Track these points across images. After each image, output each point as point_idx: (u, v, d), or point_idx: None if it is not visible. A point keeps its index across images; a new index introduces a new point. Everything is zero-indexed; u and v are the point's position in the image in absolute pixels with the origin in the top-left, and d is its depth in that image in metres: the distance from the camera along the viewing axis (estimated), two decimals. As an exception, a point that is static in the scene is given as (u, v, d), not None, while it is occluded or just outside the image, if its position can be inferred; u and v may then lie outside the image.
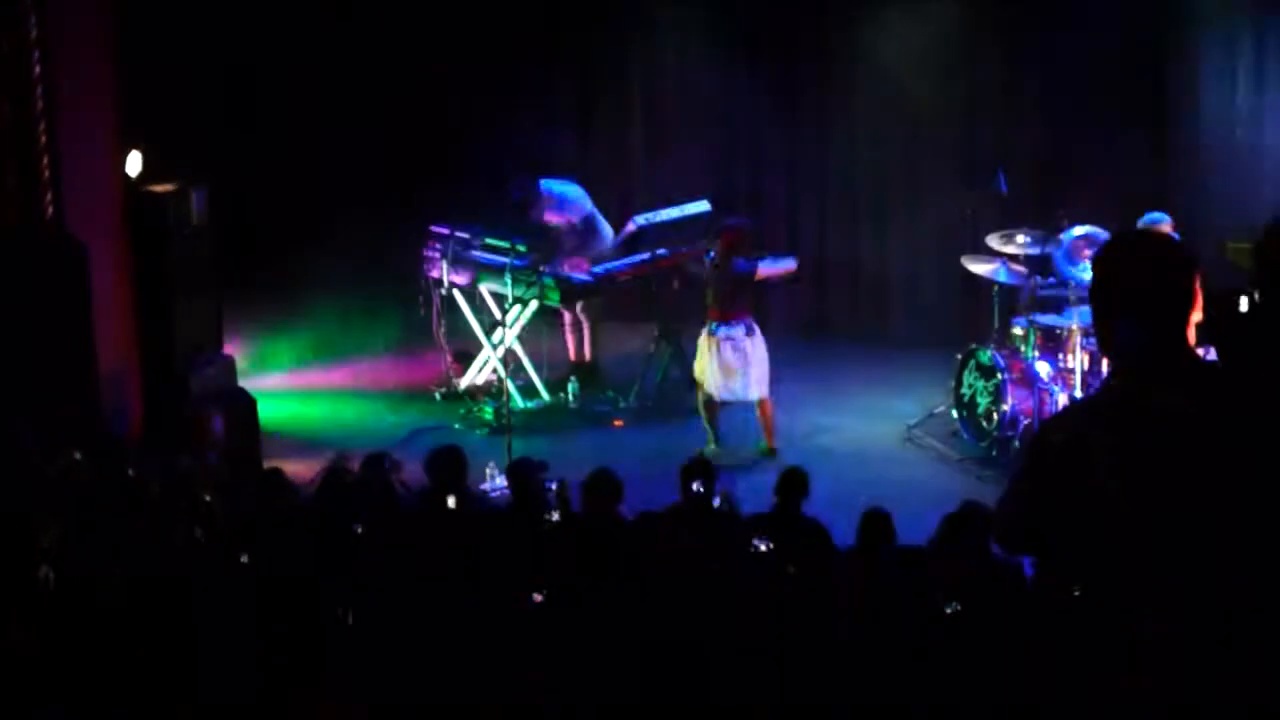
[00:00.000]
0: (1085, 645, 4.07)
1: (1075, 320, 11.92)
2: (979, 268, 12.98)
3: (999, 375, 12.15)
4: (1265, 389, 4.00)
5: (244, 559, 8.30)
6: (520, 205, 14.25)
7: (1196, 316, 4.19)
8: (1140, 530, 3.93)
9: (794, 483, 9.47)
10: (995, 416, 12.22)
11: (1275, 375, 4.05)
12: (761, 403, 12.65)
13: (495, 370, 13.90)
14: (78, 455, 9.78)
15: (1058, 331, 12.07)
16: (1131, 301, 4.07)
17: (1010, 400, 12.09)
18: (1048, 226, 12.71)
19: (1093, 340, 11.78)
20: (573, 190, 14.43)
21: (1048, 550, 4.30)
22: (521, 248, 13.84)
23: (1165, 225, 11.94)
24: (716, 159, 15.97)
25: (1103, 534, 3.96)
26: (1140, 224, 11.96)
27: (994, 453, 12.26)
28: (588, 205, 14.36)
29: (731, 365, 12.49)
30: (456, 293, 14.23)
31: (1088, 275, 12.25)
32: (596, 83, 16.35)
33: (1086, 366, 11.83)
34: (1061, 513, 4.03)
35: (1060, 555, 4.20)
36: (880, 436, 12.93)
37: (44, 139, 11.54)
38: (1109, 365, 4.23)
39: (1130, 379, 4.08)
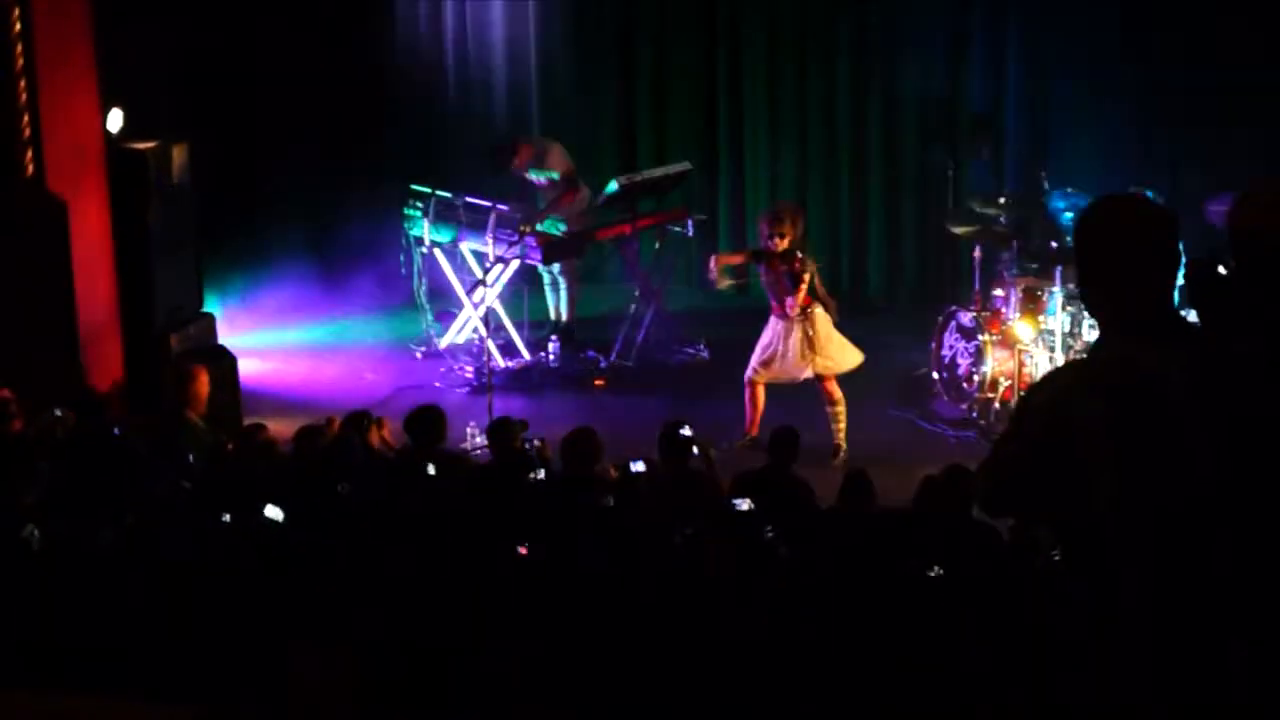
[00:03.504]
0: (1069, 613, 4.08)
1: (1056, 282, 11.94)
2: (961, 229, 12.99)
3: (980, 337, 12.17)
4: (1248, 356, 4.01)
5: (226, 517, 8.32)
6: (499, 161, 14.23)
7: (1178, 279, 4.21)
8: (1123, 496, 3.94)
9: (785, 442, 9.50)
10: (976, 378, 12.24)
11: (1257, 342, 4.05)
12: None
13: (476, 329, 13.90)
14: (58, 412, 9.79)
15: (1039, 293, 12.08)
16: (1116, 264, 4.08)
17: (991, 362, 12.11)
18: (1029, 189, 12.72)
19: (1073, 302, 11.84)
20: (554, 146, 14.42)
21: (1030, 514, 4.30)
22: (503, 207, 13.84)
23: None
24: (697, 119, 15.93)
25: (1086, 499, 3.97)
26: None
27: (974, 415, 12.29)
28: (568, 162, 14.34)
29: None
30: (437, 251, 14.22)
31: (1069, 238, 12.28)
32: (580, 40, 16.29)
33: (1067, 328, 11.86)
34: (1045, 477, 4.04)
35: (1043, 520, 4.21)
36: (860, 398, 12.94)
37: (24, 96, 11.51)
38: (1098, 328, 4.23)
39: (1116, 342, 4.10)
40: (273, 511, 8.38)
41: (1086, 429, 3.94)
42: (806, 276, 11.69)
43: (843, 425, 11.89)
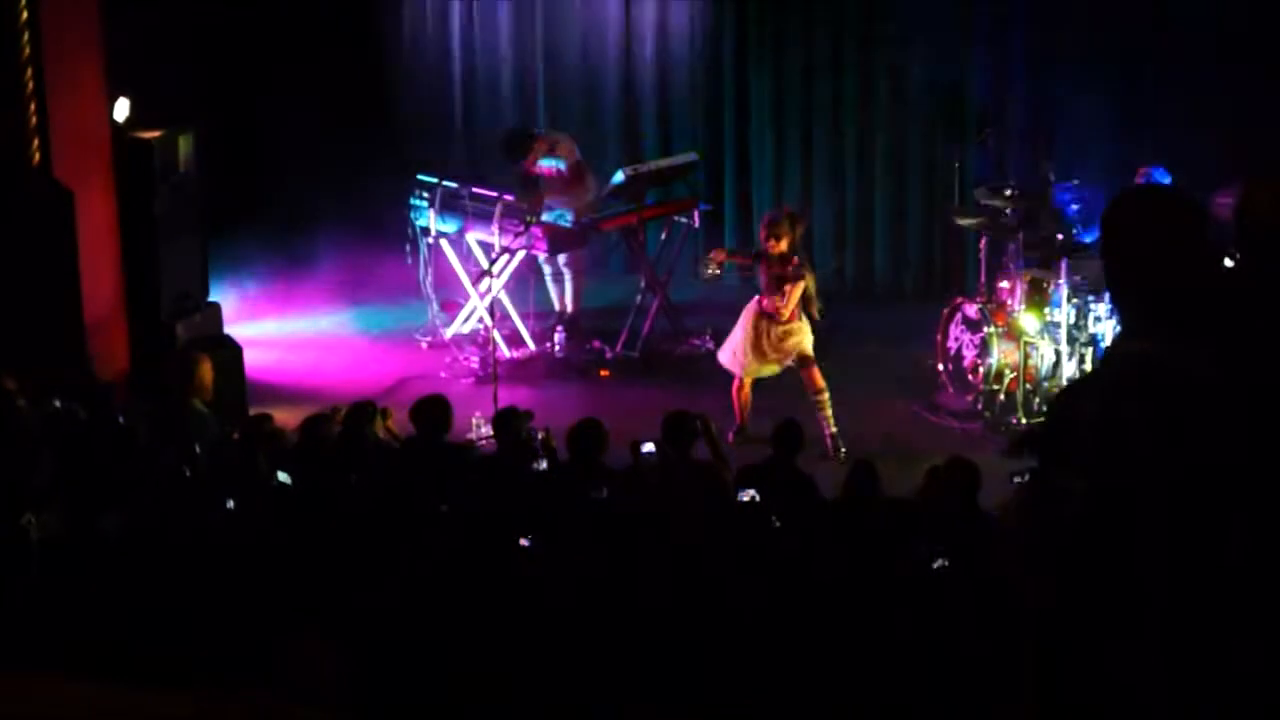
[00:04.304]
0: (1087, 610, 4.02)
1: (1061, 274, 11.93)
2: (966, 221, 12.98)
3: (985, 329, 12.16)
4: (1272, 354, 3.94)
5: (230, 504, 8.33)
6: (511, 148, 14.22)
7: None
8: (1162, 500, 3.86)
9: (790, 435, 9.49)
10: (981, 370, 12.24)
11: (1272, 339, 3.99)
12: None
13: (481, 319, 13.90)
14: (57, 403, 9.78)
15: (1044, 285, 12.07)
16: (1149, 262, 4.00)
17: (996, 354, 12.11)
18: (1035, 181, 12.71)
19: (1079, 294, 11.83)
20: (563, 137, 14.42)
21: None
22: (509, 197, 13.84)
23: (1166, 182, 11.98)
24: (703, 110, 15.93)
25: (1126, 506, 3.89)
26: (1144, 173, 12.05)
27: (979, 406, 12.29)
28: (576, 153, 14.36)
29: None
30: (443, 242, 14.22)
31: (1074, 230, 12.29)
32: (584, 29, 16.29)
33: (1072, 320, 11.84)
34: (1090, 485, 3.95)
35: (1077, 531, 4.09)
36: (865, 389, 12.94)
37: (31, 85, 11.51)
38: (1124, 324, 4.13)
39: (1150, 341, 4.01)
40: (284, 477, 8.42)
41: (1134, 436, 3.87)
42: (799, 284, 11.72)
43: (830, 412, 11.88)
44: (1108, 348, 3.97)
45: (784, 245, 11.75)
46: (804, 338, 11.89)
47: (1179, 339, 3.96)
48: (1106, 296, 11.70)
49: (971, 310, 12.41)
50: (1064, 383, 11.73)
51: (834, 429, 11.83)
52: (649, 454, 9.05)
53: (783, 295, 11.73)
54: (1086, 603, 4.03)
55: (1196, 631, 3.89)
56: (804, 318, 11.90)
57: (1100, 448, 3.95)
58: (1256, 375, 3.90)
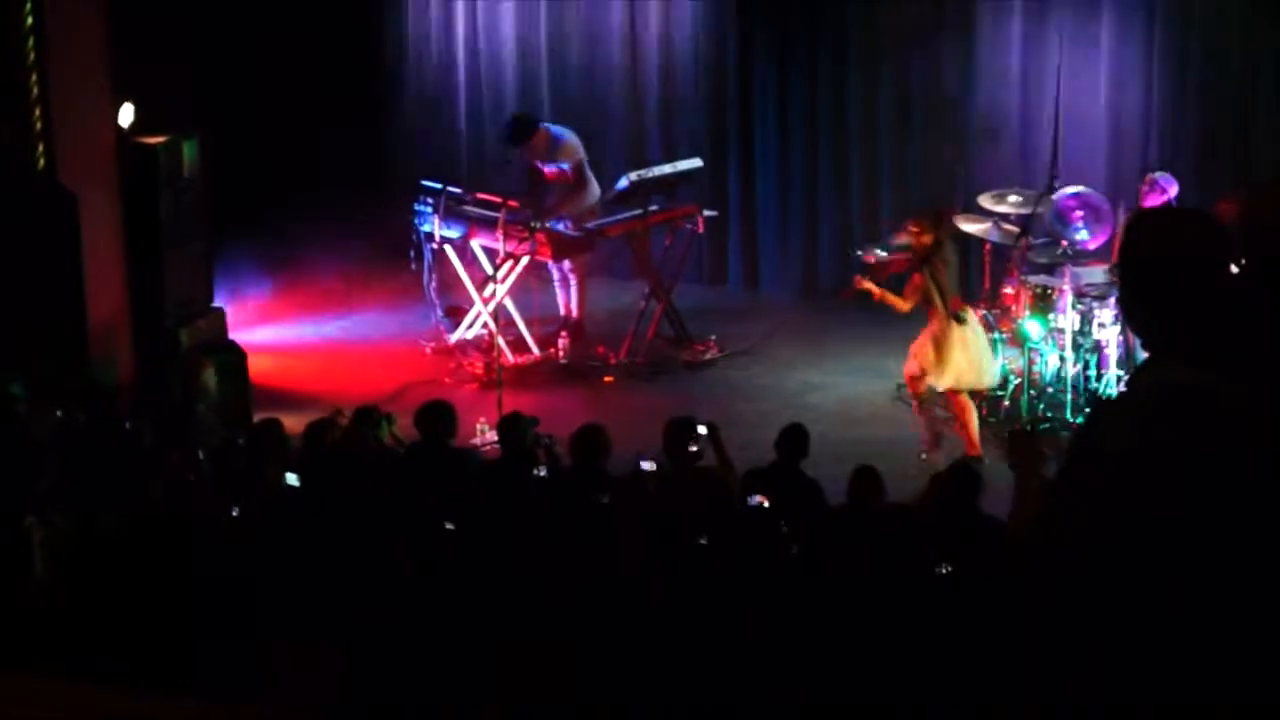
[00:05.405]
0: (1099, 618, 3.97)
1: (1066, 280, 11.92)
2: (971, 227, 12.98)
3: (989, 334, 12.15)
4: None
5: (235, 512, 8.34)
6: (516, 137, 14.19)
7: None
8: (1199, 527, 3.82)
9: (795, 440, 9.47)
10: (985, 376, 12.23)
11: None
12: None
13: (486, 325, 13.89)
14: (59, 413, 9.78)
15: (1048, 291, 12.06)
16: (1174, 290, 3.91)
17: (1000, 360, 12.10)
18: (1040, 186, 12.70)
19: (1084, 300, 11.82)
20: (569, 134, 14.42)
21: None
22: (513, 203, 13.83)
23: (1173, 189, 11.96)
24: (707, 115, 15.91)
25: (1160, 535, 3.87)
26: (1150, 180, 12.02)
27: (984, 412, 12.27)
28: (580, 153, 14.35)
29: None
30: (447, 247, 14.21)
31: (1079, 236, 12.28)
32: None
33: (1077, 327, 11.84)
34: (1119, 517, 3.90)
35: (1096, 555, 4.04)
36: (870, 395, 12.93)
37: (36, 90, 11.53)
38: (1149, 349, 4.07)
39: (1182, 366, 3.92)
40: (293, 479, 8.43)
41: (1170, 465, 3.82)
42: (917, 279, 11.46)
43: (965, 433, 11.55)
44: (1133, 374, 3.87)
45: (919, 241, 11.41)
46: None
47: (1207, 364, 3.88)
48: (1111, 303, 11.71)
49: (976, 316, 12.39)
50: (1065, 385, 11.75)
51: (932, 447, 11.67)
52: (648, 471, 9.02)
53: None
54: (1095, 615, 4.00)
55: (1217, 653, 3.85)
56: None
57: (1130, 475, 3.90)
58: (1268, 385, 3.85)
